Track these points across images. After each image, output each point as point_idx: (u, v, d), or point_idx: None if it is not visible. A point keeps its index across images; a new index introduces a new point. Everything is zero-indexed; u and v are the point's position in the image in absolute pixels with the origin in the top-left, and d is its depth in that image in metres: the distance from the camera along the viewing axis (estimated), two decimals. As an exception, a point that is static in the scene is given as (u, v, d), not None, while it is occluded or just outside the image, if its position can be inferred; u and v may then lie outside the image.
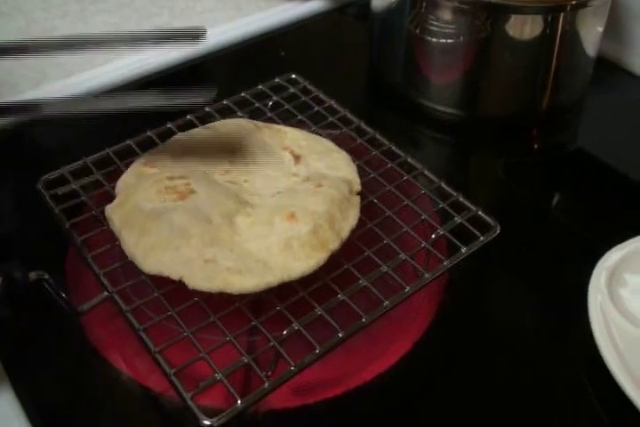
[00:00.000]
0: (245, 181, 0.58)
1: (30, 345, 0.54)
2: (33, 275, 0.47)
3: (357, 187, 0.58)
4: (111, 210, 0.55)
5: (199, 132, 0.63)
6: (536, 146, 0.77)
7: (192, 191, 0.55)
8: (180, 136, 0.63)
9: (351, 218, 0.55)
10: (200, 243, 0.51)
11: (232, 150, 0.61)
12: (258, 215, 0.54)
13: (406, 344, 0.53)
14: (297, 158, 0.60)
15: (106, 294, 0.51)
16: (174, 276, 0.50)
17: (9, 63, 0.81)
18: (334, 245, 0.52)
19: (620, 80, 0.83)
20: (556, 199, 0.69)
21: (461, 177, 0.72)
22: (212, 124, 0.65)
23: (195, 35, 0.52)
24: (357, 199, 0.57)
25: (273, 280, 0.50)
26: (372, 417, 0.50)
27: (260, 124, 0.64)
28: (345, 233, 0.54)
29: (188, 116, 0.66)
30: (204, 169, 0.59)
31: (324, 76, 0.77)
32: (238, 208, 0.54)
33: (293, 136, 0.63)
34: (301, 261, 0.51)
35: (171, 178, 0.56)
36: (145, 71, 0.82)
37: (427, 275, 0.53)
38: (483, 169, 0.74)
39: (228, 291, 0.49)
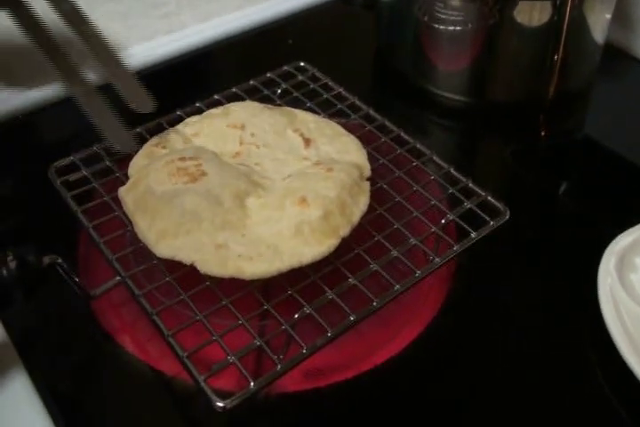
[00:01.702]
0: (256, 164, 0.58)
1: (43, 329, 0.54)
2: (46, 259, 0.48)
3: (367, 172, 0.58)
4: (124, 192, 0.56)
5: (210, 112, 0.64)
6: (543, 133, 0.77)
7: (203, 173, 0.55)
8: (191, 118, 0.64)
9: (361, 203, 0.55)
10: (211, 227, 0.51)
11: (242, 128, 0.61)
12: (269, 198, 0.54)
13: (417, 329, 0.54)
14: (307, 142, 0.61)
15: (118, 278, 0.51)
16: (186, 261, 0.50)
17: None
18: (345, 230, 0.52)
19: (627, 67, 0.83)
20: (563, 185, 0.69)
21: (469, 163, 0.72)
22: (223, 106, 0.65)
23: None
24: (367, 185, 0.57)
25: (283, 266, 0.50)
26: (383, 401, 0.50)
27: (270, 106, 0.65)
28: (355, 219, 0.54)
29: (198, 104, 0.66)
30: (215, 150, 0.59)
31: (332, 63, 0.77)
32: (249, 189, 0.55)
33: (303, 118, 0.63)
34: (312, 247, 0.51)
35: (182, 159, 0.56)
36: (153, 60, 0.82)
37: (437, 259, 0.53)
38: (491, 155, 0.74)
39: (240, 277, 0.50)
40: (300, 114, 0.64)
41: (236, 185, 0.54)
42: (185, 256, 0.50)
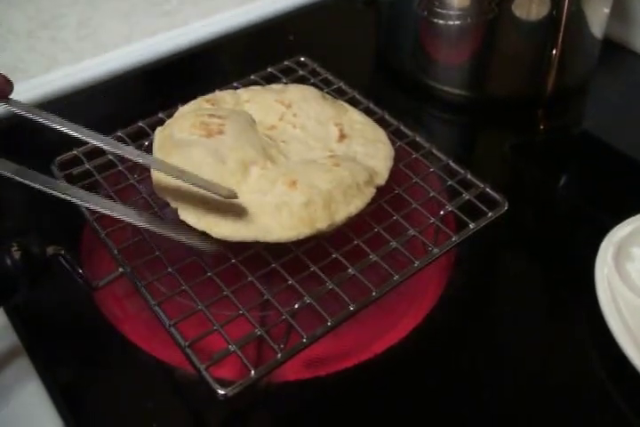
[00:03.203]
0: (283, 141, 0.59)
1: (47, 319, 0.55)
2: (50, 250, 0.48)
3: (381, 181, 0.57)
4: (157, 131, 0.60)
5: (270, 86, 0.67)
6: (542, 127, 0.77)
7: (220, 132, 0.56)
8: (252, 87, 0.66)
9: (353, 206, 0.54)
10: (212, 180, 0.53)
11: (288, 107, 0.62)
12: (271, 171, 0.55)
13: (416, 318, 0.54)
14: (342, 136, 0.60)
15: (121, 270, 0.52)
16: (172, 203, 0.53)
17: (21, 49, 0.82)
18: (323, 225, 0.52)
19: (626, 61, 0.84)
20: (562, 179, 0.70)
21: (468, 157, 0.72)
22: (284, 84, 0.67)
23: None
24: (372, 192, 0.56)
25: (247, 236, 0.51)
26: (383, 390, 0.51)
27: (327, 95, 0.66)
28: (339, 217, 0.53)
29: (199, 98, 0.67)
30: (256, 118, 0.61)
31: (332, 59, 0.77)
32: (258, 159, 0.55)
33: (352, 117, 0.63)
34: (282, 229, 0.52)
35: (211, 115, 0.58)
36: (155, 56, 0.83)
37: (435, 250, 0.53)
38: (490, 149, 0.75)
39: (208, 233, 0.51)
40: (352, 113, 0.64)
41: (245, 151, 0.55)
42: (172, 199, 0.53)
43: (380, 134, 0.62)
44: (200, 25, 0.87)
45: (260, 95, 0.64)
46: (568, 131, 0.76)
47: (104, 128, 0.62)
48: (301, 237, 0.52)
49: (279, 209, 0.52)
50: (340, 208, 0.53)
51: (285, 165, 0.56)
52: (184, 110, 0.63)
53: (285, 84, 0.69)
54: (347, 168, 0.56)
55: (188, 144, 0.56)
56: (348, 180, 0.55)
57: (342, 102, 0.65)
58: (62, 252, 0.49)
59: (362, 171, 0.56)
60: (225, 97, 0.64)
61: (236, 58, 0.86)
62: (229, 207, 0.52)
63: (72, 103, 0.77)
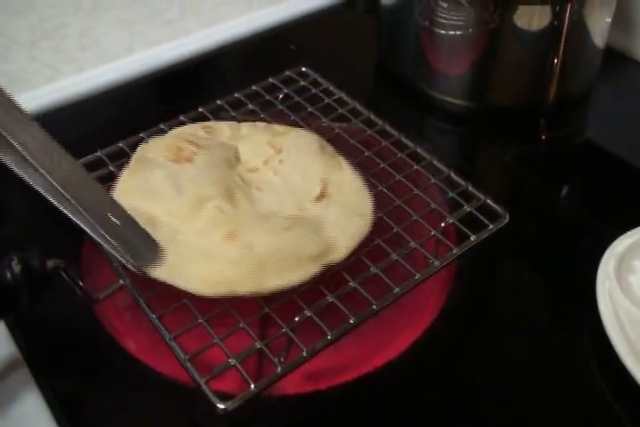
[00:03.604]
0: (257, 188, 0.57)
1: (48, 332, 0.55)
2: (50, 263, 0.48)
3: (334, 259, 0.52)
4: (139, 147, 0.60)
5: (272, 127, 0.64)
6: (544, 137, 0.77)
7: (190, 160, 0.56)
8: (258, 123, 0.65)
9: (285, 279, 0.50)
10: (162, 209, 0.53)
11: (278, 152, 0.59)
12: (222, 215, 0.53)
13: (416, 331, 0.54)
14: (321, 197, 0.56)
15: (121, 282, 0.52)
16: None
17: (23, 59, 0.83)
18: (244, 290, 0.49)
19: (628, 71, 0.83)
20: (564, 189, 0.70)
21: (470, 167, 0.72)
22: (280, 127, 0.64)
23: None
24: (316, 269, 0.51)
25: (167, 278, 0.49)
26: (382, 403, 0.51)
27: (329, 148, 0.61)
28: (266, 287, 0.49)
29: (200, 109, 0.67)
30: (243, 157, 0.60)
31: (334, 68, 0.78)
32: (216, 198, 0.53)
33: (344, 177, 0.58)
34: (202, 283, 0.49)
35: (190, 142, 0.58)
36: (157, 66, 0.83)
37: (436, 262, 0.53)
38: (491, 159, 0.74)
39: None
40: (346, 172, 0.59)
41: (203, 186, 0.54)
42: None
43: (364, 206, 0.56)
44: (202, 35, 0.87)
45: (258, 134, 0.62)
46: (570, 140, 0.76)
47: (105, 138, 0.63)
48: (219, 296, 0.49)
49: (208, 260, 0.50)
50: (269, 278, 0.50)
51: (243, 212, 0.54)
52: (175, 132, 0.61)
53: (286, 94, 0.70)
54: (296, 236, 0.52)
55: (153, 166, 0.55)
56: (289, 249, 0.51)
57: (341, 159, 0.60)
58: (62, 265, 0.49)
59: (313, 243, 0.51)
60: (223, 128, 0.63)
61: (238, 68, 0.86)
62: (173, 247, 0.50)
63: (74, 113, 0.77)
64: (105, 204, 0.44)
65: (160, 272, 0.49)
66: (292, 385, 0.50)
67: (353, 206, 0.56)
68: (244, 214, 0.53)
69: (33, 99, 0.77)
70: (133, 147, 0.62)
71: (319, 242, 0.52)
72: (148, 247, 0.46)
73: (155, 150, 0.57)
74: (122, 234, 0.44)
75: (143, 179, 0.55)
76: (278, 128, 0.63)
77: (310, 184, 0.57)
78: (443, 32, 0.72)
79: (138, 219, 0.46)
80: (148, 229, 0.47)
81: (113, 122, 0.77)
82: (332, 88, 0.71)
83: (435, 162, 0.62)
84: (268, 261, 0.50)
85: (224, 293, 0.49)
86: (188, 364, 0.46)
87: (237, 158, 0.60)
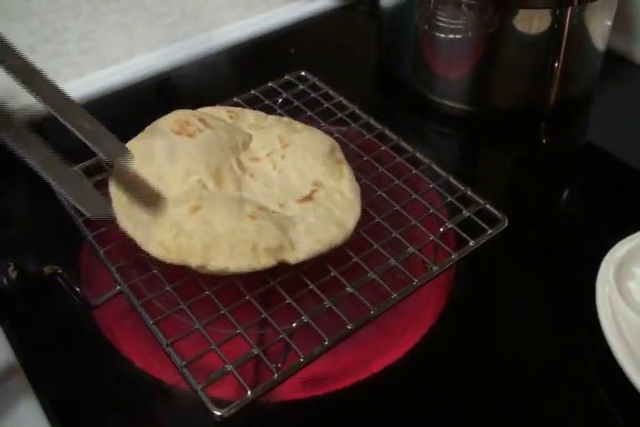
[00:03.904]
0: (251, 175, 0.58)
1: (45, 338, 0.55)
2: (47, 269, 0.48)
3: (290, 259, 0.52)
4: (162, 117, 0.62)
5: (293, 124, 0.64)
6: (545, 140, 0.77)
7: (192, 135, 0.58)
8: (282, 118, 0.65)
9: (233, 263, 0.50)
10: (154, 174, 0.56)
11: (284, 147, 0.60)
12: (199, 190, 0.54)
13: (415, 337, 0.54)
14: (307, 199, 0.56)
15: (118, 288, 0.52)
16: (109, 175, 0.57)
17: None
18: (193, 261, 0.50)
19: (628, 74, 0.83)
20: (565, 193, 0.69)
21: (471, 171, 0.72)
22: (303, 126, 0.64)
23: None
24: (266, 262, 0.51)
25: (129, 231, 0.53)
26: (381, 409, 0.50)
27: (338, 154, 0.61)
28: (212, 266, 0.50)
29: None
30: (253, 145, 0.61)
31: (334, 72, 0.78)
32: (203, 175, 0.55)
33: (339, 186, 0.58)
34: (157, 247, 0.51)
35: (200, 120, 0.59)
36: (157, 70, 0.83)
37: (435, 268, 0.53)
38: (492, 163, 0.74)
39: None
40: (345, 182, 0.58)
41: (195, 161, 0.56)
42: (117, 167, 0.56)
43: (347, 218, 0.55)
44: (201, 39, 0.87)
45: (275, 127, 0.62)
46: (571, 144, 0.76)
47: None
48: (174, 262, 0.50)
49: (170, 228, 0.51)
50: (218, 258, 0.50)
51: (225, 193, 0.55)
52: (202, 110, 0.63)
53: (286, 98, 0.69)
54: (258, 225, 0.52)
55: (158, 134, 0.58)
56: (247, 236, 0.51)
57: (346, 168, 0.59)
58: (59, 271, 0.49)
59: (274, 237, 0.51)
60: (248, 115, 0.64)
61: (238, 72, 0.85)
62: (152, 216, 0.53)
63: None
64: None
65: (127, 226, 0.53)
66: (290, 391, 0.50)
67: (335, 215, 0.55)
68: (223, 195, 0.55)
69: (32, 103, 0.76)
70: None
71: (280, 237, 0.52)
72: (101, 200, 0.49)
73: (166, 122, 0.60)
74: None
75: (146, 145, 0.58)
76: (297, 125, 0.63)
77: (303, 184, 0.57)
78: (442, 36, 0.71)
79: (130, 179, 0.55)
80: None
81: (113, 125, 0.76)
82: (331, 92, 0.70)
83: (434, 166, 0.61)
84: (222, 241, 0.50)
85: (177, 261, 0.50)
86: (185, 370, 0.46)
87: (246, 145, 0.60)
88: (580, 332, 0.55)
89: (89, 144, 0.50)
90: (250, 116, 0.64)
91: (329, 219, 0.54)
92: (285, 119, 0.65)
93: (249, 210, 0.53)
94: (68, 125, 0.51)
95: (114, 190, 0.56)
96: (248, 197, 0.55)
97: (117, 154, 0.51)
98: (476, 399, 0.51)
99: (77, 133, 0.51)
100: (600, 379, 0.52)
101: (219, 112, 0.64)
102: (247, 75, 0.84)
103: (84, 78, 0.81)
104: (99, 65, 0.83)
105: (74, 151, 0.54)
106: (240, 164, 0.58)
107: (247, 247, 0.50)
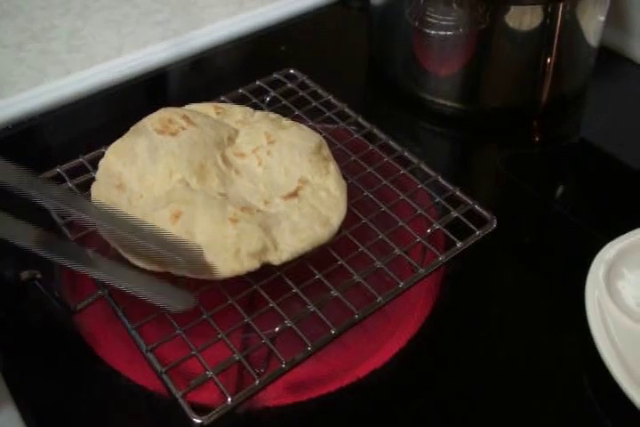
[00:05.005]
0: (237, 172, 0.57)
1: (25, 344, 0.54)
2: (25, 274, 0.47)
3: (274, 260, 0.51)
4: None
5: (281, 120, 0.63)
6: (537, 138, 0.76)
7: (174, 134, 0.57)
8: (270, 114, 0.64)
9: (215, 271, 0.50)
10: (135, 174, 0.55)
11: (270, 144, 0.59)
12: (181, 191, 0.54)
13: (401, 340, 0.53)
14: (292, 195, 0.55)
15: (99, 293, 0.51)
16: (97, 172, 0.57)
17: (10, 61, 0.82)
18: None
19: (622, 70, 0.82)
20: (557, 192, 0.69)
21: (462, 170, 0.71)
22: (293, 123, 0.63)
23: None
24: (251, 265, 0.50)
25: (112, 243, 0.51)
26: (366, 414, 0.50)
27: (325, 152, 0.60)
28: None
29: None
30: (239, 142, 0.60)
31: (325, 70, 0.77)
32: (185, 173, 0.55)
33: (325, 183, 0.57)
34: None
35: (184, 117, 0.59)
36: (146, 68, 0.82)
37: (421, 270, 0.52)
38: (483, 162, 0.73)
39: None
40: (331, 179, 0.57)
41: (177, 160, 0.55)
42: (101, 168, 0.57)
43: (333, 216, 0.55)
44: (191, 36, 0.86)
45: (261, 123, 0.61)
46: (564, 141, 0.75)
47: (94, 140, 0.62)
48: (156, 271, 0.49)
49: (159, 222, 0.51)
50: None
51: (208, 189, 0.54)
52: (189, 107, 0.63)
53: (273, 97, 0.69)
54: (240, 229, 0.51)
55: (142, 134, 0.58)
56: (227, 242, 0.50)
57: (332, 165, 0.59)
58: (38, 276, 0.48)
59: (257, 240, 0.51)
60: (235, 111, 0.63)
61: (228, 69, 0.85)
62: (131, 211, 0.52)
63: (62, 116, 0.76)
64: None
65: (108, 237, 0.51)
66: (274, 396, 0.49)
67: (320, 213, 0.54)
68: (205, 195, 0.54)
69: (20, 102, 0.76)
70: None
71: (264, 239, 0.51)
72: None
73: (150, 121, 0.59)
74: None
75: (130, 144, 0.57)
76: (285, 122, 0.63)
77: (289, 181, 0.57)
78: (433, 32, 0.70)
79: (109, 180, 0.55)
80: (115, 192, 0.54)
81: (101, 124, 0.76)
82: (320, 90, 0.69)
83: (422, 166, 0.61)
84: (204, 250, 0.49)
85: (159, 270, 0.49)
86: (165, 376, 0.46)
87: (232, 140, 0.60)
88: (569, 333, 0.54)
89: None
90: (237, 112, 0.63)
91: (313, 217, 0.54)
92: (273, 115, 0.64)
93: (231, 212, 0.52)
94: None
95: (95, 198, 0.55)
96: (232, 195, 0.55)
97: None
98: (462, 403, 0.51)
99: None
100: (589, 380, 0.51)
101: (206, 108, 0.63)
102: (237, 72, 0.83)
103: (72, 77, 0.80)
104: (88, 63, 0.82)
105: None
106: (225, 159, 0.58)
107: (229, 253, 0.50)
